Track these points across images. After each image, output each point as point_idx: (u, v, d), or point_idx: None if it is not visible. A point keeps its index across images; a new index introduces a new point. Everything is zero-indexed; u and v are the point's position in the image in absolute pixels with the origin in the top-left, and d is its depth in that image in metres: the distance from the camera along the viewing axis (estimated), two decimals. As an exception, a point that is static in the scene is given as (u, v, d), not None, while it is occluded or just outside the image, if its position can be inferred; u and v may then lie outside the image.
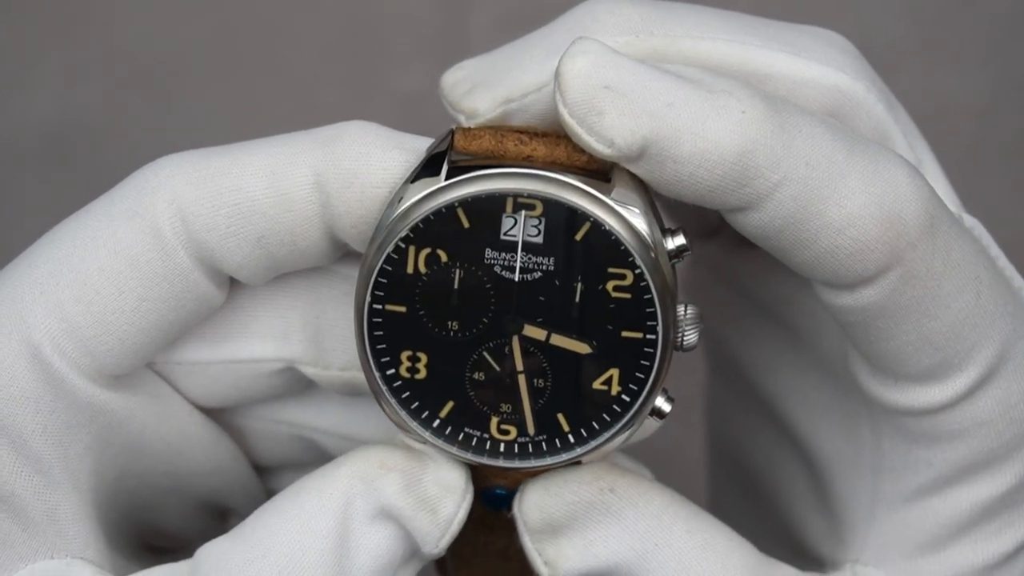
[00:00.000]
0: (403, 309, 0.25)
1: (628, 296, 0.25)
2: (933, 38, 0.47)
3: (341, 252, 0.27)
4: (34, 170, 0.47)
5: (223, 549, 0.25)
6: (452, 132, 0.26)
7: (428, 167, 0.25)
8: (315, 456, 0.30)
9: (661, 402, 0.26)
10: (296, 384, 0.29)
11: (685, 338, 0.25)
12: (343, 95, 0.46)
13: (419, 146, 0.26)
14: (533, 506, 0.26)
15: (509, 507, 0.27)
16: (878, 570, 0.27)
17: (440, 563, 0.31)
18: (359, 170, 0.25)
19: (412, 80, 0.47)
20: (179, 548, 0.30)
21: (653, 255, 0.25)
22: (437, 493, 0.26)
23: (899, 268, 0.24)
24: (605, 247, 0.25)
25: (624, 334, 0.25)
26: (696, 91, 0.24)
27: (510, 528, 0.27)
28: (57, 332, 0.25)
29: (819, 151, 0.24)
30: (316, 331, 0.28)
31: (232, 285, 0.27)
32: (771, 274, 0.28)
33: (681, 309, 0.25)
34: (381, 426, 0.28)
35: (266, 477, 0.31)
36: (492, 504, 0.28)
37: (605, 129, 0.24)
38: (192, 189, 0.25)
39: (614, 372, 0.25)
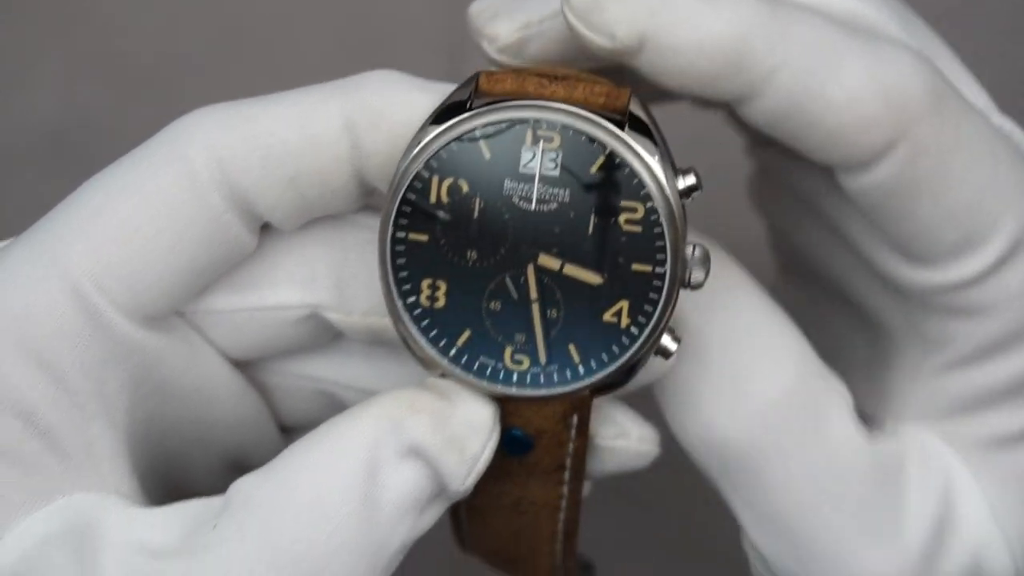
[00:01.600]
0: (425, 238, 0.26)
1: (639, 229, 0.26)
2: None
3: (367, 196, 0.28)
4: (35, 170, 0.47)
5: (255, 484, 0.26)
6: (476, 77, 0.27)
7: (451, 109, 0.27)
8: (337, 413, 0.30)
9: (667, 340, 0.27)
10: (320, 336, 0.30)
11: (692, 276, 0.26)
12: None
13: (442, 89, 0.28)
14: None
15: (526, 451, 0.28)
16: (917, 427, 0.28)
17: (455, 517, 0.31)
18: (385, 109, 0.27)
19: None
20: None
21: (664, 191, 0.26)
22: (464, 432, 0.26)
23: (907, 142, 0.25)
24: (619, 180, 0.26)
25: (634, 267, 0.26)
26: None
27: (524, 477, 0.28)
28: (97, 270, 0.26)
29: (816, 35, 0.25)
30: (340, 278, 0.29)
31: (260, 235, 0.28)
32: (813, 174, 0.29)
33: (689, 248, 0.26)
34: (402, 380, 0.29)
35: (289, 438, 0.32)
36: (509, 447, 0.28)
37: (606, 23, 0.25)
38: (226, 134, 0.26)
39: (624, 304, 0.26)
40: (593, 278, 0.27)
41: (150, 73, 0.47)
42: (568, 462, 0.29)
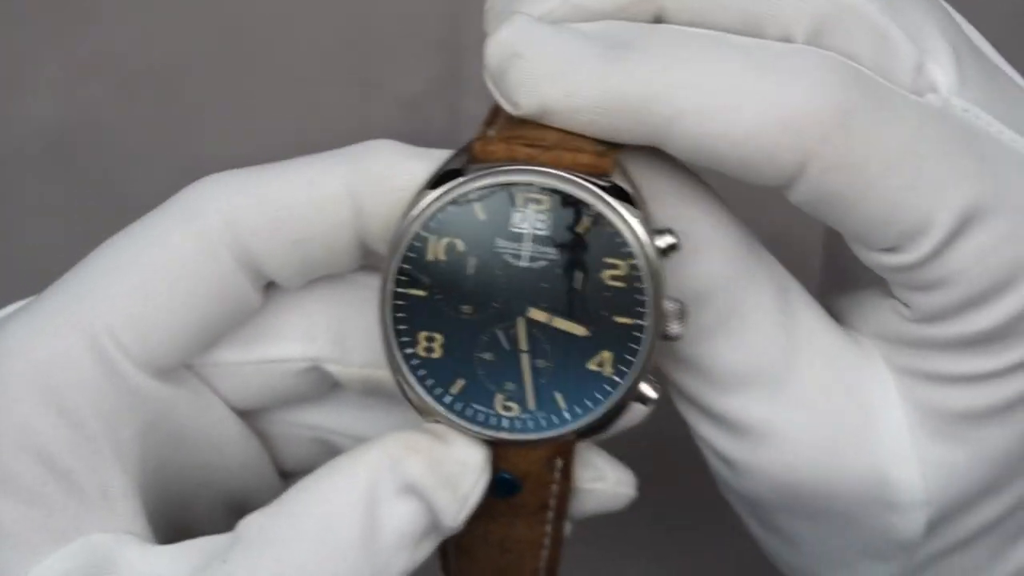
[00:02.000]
0: (423, 293, 0.28)
1: (622, 285, 0.28)
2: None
3: (366, 257, 0.30)
4: (35, 172, 0.47)
5: (263, 519, 0.27)
6: (470, 145, 0.28)
7: (447, 175, 0.28)
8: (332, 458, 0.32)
9: (647, 388, 0.29)
10: (319, 386, 0.32)
11: (670, 329, 0.28)
12: (344, 96, 0.47)
13: (438, 156, 0.29)
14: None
15: (513, 493, 0.30)
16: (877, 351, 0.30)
17: (443, 555, 0.32)
18: (386, 176, 0.29)
19: (412, 82, 0.47)
20: None
21: (645, 249, 0.28)
22: (458, 472, 0.28)
23: (816, 162, 0.27)
24: (603, 239, 0.28)
25: (617, 319, 0.28)
26: (591, 48, 0.27)
27: (511, 517, 0.30)
28: (114, 324, 0.28)
29: (712, 77, 0.27)
30: (339, 333, 0.31)
31: (265, 292, 0.30)
32: None
33: (669, 303, 0.28)
34: (393, 429, 0.30)
35: (288, 483, 0.33)
36: (498, 489, 0.30)
37: (509, 92, 0.27)
38: (237, 198, 0.29)
39: (607, 354, 0.28)
40: (579, 330, 0.28)
41: (150, 76, 0.47)
42: (552, 503, 0.31)
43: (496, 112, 0.29)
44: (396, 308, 0.29)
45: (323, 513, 0.27)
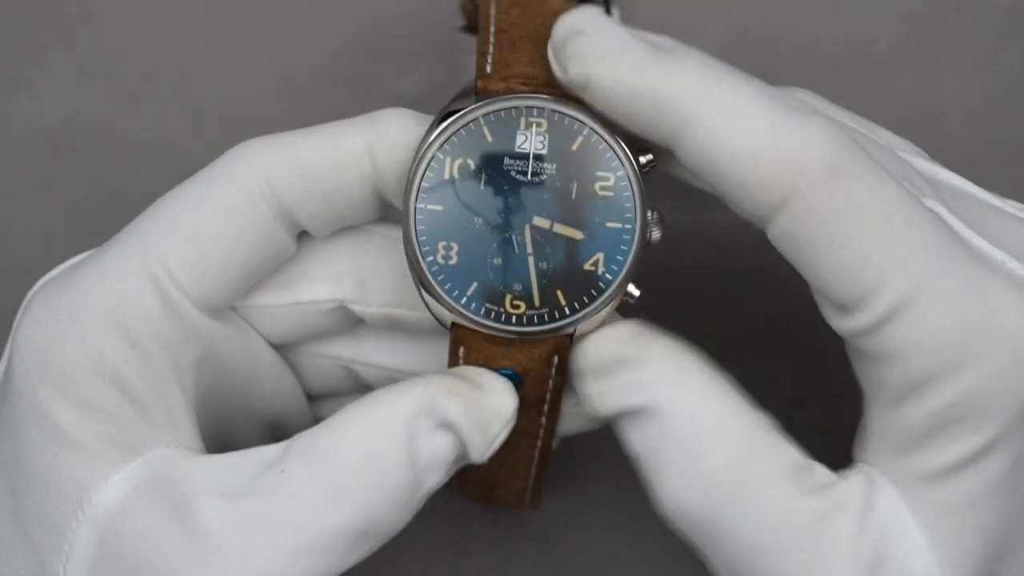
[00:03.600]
0: (440, 208, 0.33)
1: (611, 194, 0.32)
2: (929, 41, 0.47)
3: (384, 209, 0.35)
4: (36, 172, 0.47)
5: (316, 436, 0.31)
6: (473, 87, 0.33)
7: (454, 112, 0.32)
8: (353, 385, 0.38)
9: (632, 287, 0.33)
10: (344, 323, 0.36)
11: (652, 233, 0.33)
12: (344, 97, 0.47)
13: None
14: (586, 355, 0.33)
15: (516, 387, 0.33)
16: (871, 467, 0.32)
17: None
18: (398, 137, 0.33)
19: (413, 83, 0.47)
20: None
21: (631, 161, 0.32)
22: (490, 416, 0.32)
23: (799, 201, 0.30)
24: (594, 155, 0.32)
25: (608, 224, 0.32)
26: (641, 44, 0.31)
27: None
28: (174, 267, 0.33)
29: (733, 95, 0.31)
30: (361, 276, 0.35)
31: (298, 242, 0.35)
32: None
33: (650, 212, 0.32)
34: (409, 359, 0.37)
35: (314, 405, 0.39)
36: None
37: (563, 60, 0.32)
38: (272, 157, 0.33)
39: (600, 255, 0.32)
40: (576, 234, 0.32)
41: (150, 76, 0.47)
42: (548, 396, 0.34)
43: (484, 63, 0.33)
44: (419, 222, 0.32)
45: (370, 438, 0.31)
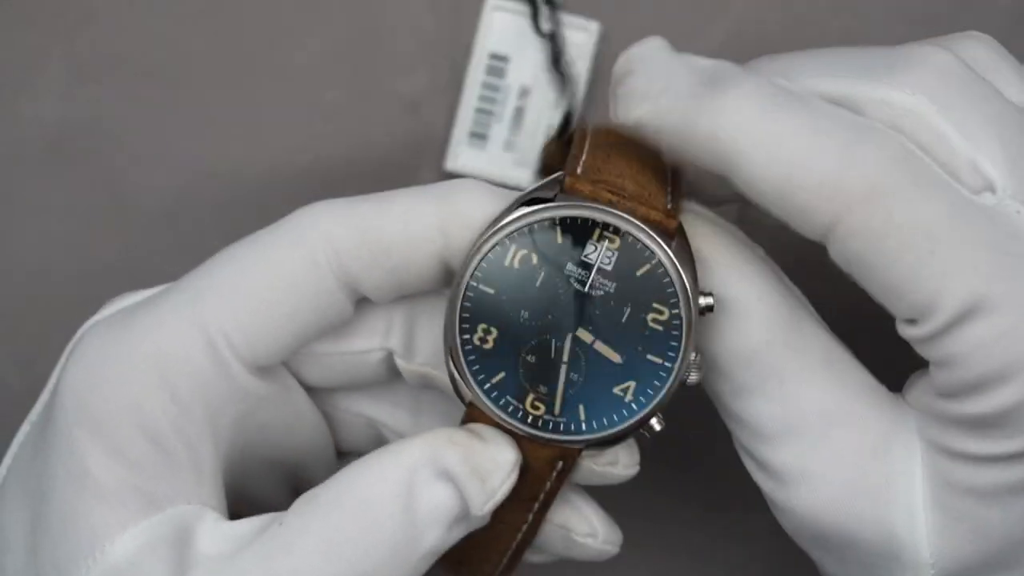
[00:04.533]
0: (492, 291, 0.33)
1: (661, 328, 0.32)
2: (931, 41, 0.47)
3: (449, 277, 0.34)
4: (36, 172, 0.47)
5: (316, 491, 0.31)
6: (561, 179, 0.33)
7: (537, 200, 0.33)
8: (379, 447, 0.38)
9: (655, 422, 0.33)
10: (386, 378, 0.37)
11: (689, 376, 0.32)
12: (345, 98, 0.47)
13: (518, 197, 0.33)
14: None
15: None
16: (914, 418, 0.33)
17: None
18: (473, 215, 0.33)
19: (413, 84, 0.47)
20: None
21: (690, 304, 0.32)
22: (490, 467, 0.32)
23: (842, 226, 0.30)
24: (656, 285, 0.32)
25: (649, 356, 0.32)
26: (688, 79, 0.32)
27: (504, 501, 0.33)
28: (228, 328, 0.33)
29: (772, 130, 0.31)
30: (410, 330, 0.35)
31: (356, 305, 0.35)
32: None
33: (694, 354, 0.32)
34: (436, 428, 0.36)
35: (343, 462, 0.39)
36: None
37: (616, 103, 0.33)
38: (342, 227, 0.33)
39: (632, 384, 0.32)
40: (615, 356, 0.32)
41: (151, 77, 0.47)
42: (542, 496, 0.34)
43: (581, 149, 0.33)
44: (466, 298, 0.32)
45: (367, 488, 0.31)
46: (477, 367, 0.32)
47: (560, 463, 0.33)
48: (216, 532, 0.32)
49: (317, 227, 0.33)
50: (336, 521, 0.30)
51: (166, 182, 0.46)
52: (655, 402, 0.32)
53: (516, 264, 0.32)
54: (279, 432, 0.35)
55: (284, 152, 0.46)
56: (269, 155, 0.46)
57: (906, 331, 0.31)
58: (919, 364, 0.33)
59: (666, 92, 0.32)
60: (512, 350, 0.32)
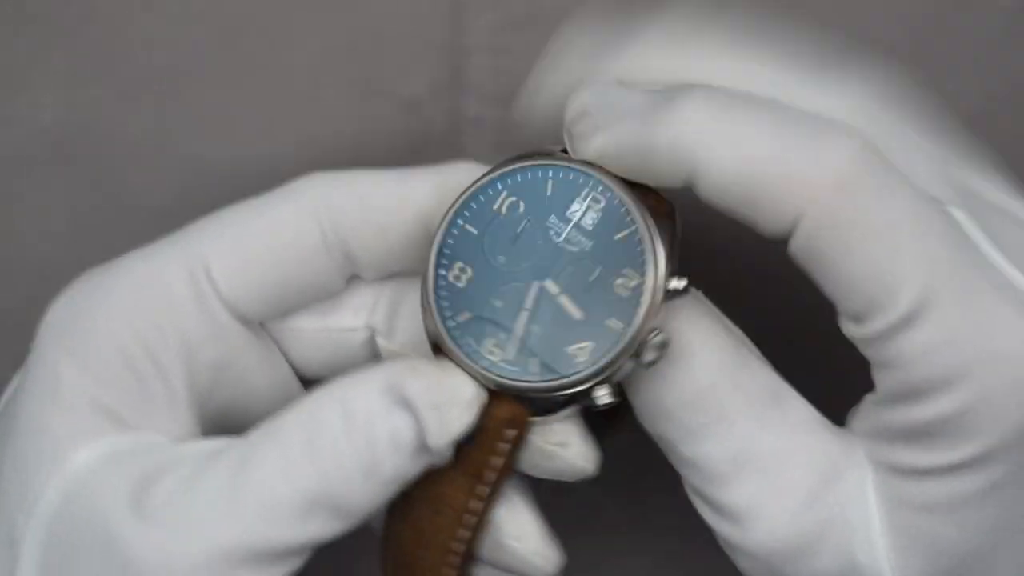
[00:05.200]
0: (475, 232, 0.33)
1: (626, 295, 0.32)
2: (929, 41, 0.47)
3: None
4: (36, 172, 0.47)
5: (277, 416, 0.32)
6: (564, 148, 0.34)
7: (537, 153, 0.34)
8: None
9: (604, 392, 0.33)
10: (368, 360, 0.37)
11: (645, 355, 0.32)
12: (344, 97, 0.47)
13: None
14: None
15: (465, 442, 0.33)
16: (860, 441, 0.33)
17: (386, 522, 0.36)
18: (466, 183, 0.34)
19: (413, 84, 0.47)
20: None
21: (659, 278, 0.32)
22: (448, 399, 0.32)
23: (807, 220, 0.31)
24: (631, 252, 0.32)
25: (608, 320, 0.32)
26: (641, 102, 0.32)
27: (452, 473, 0.33)
28: (213, 266, 0.33)
29: (730, 133, 0.31)
30: (394, 310, 0.36)
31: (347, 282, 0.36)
32: None
33: (655, 333, 0.32)
34: None
35: None
36: None
37: (574, 143, 0.33)
38: (342, 194, 0.34)
39: (588, 344, 0.32)
40: (576, 313, 0.33)
41: (151, 76, 0.47)
42: (489, 475, 0.34)
43: None
44: (449, 235, 0.33)
45: (327, 412, 0.31)
46: (446, 304, 0.33)
47: (510, 431, 0.33)
48: (180, 449, 0.32)
49: (316, 190, 0.34)
50: (297, 443, 0.31)
51: (166, 182, 0.46)
52: (604, 363, 0.32)
53: (503, 210, 0.33)
54: (262, 401, 0.36)
55: (284, 152, 0.46)
56: (269, 155, 0.46)
57: (853, 330, 0.31)
58: (867, 385, 0.33)
59: (622, 118, 0.32)
60: (482, 292, 0.33)
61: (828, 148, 0.31)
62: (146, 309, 0.33)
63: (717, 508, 0.33)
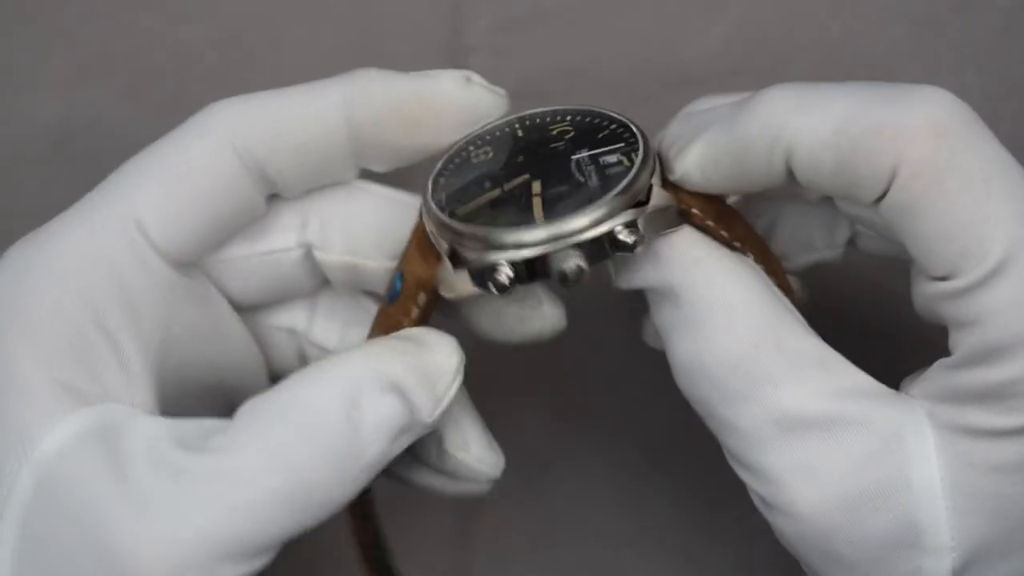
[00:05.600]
0: (489, 135, 0.35)
1: (620, 169, 0.33)
2: (929, 41, 0.47)
3: (358, 167, 0.35)
4: (37, 172, 0.47)
5: (258, 402, 0.31)
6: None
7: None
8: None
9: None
10: (308, 282, 0.37)
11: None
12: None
13: (423, 74, 0.34)
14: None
15: (395, 295, 0.34)
16: (915, 400, 0.32)
17: None
18: (374, 89, 0.34)
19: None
20: None
21: (632, 195, 0.32)
22: (435, 373, 0.32)
23: (905, 166, 0.30)
24: (612, 172, 0.32)
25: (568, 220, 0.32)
26: (722, 111, 0.33)
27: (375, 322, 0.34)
28: (145, 218, 0.33)
29: (816, 104, 0.31)
30: (324, 222, 0.35)
31: (269, 202, 0.35)
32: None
33: (631, 224, 0.31)
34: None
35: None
36: (392, 291, 0.35)
37: (672, 168, 0.33)
38: (244, 113, 0.34)
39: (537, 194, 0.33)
40: (537, 187, 0.33)
41: (154, 76, 0.47)
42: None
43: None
44: (467, 151, 0.34)
45: (311, 400, 0.31)
46: (444, 181, 0.34)
47: (423, 295, 0.33)
48: (151, 426, 0.31)
49: (220, 113, 0.34)
50: (280, 431, 0.30)
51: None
52: (569, 217, 0.31)
53: (520, 137, 0.34)
54: (208, 344, 0.35)
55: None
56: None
57: (937, 288, 0.31)
58: (909, 367, 0.33)
59: (710, 126, 0.32)
60: (480, 182, 0.33)
61: (920, 99, 0.31)
62: (88, 276, 0.32)
63: (760, 473, 0.33)
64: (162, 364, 0.34)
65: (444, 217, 0.33)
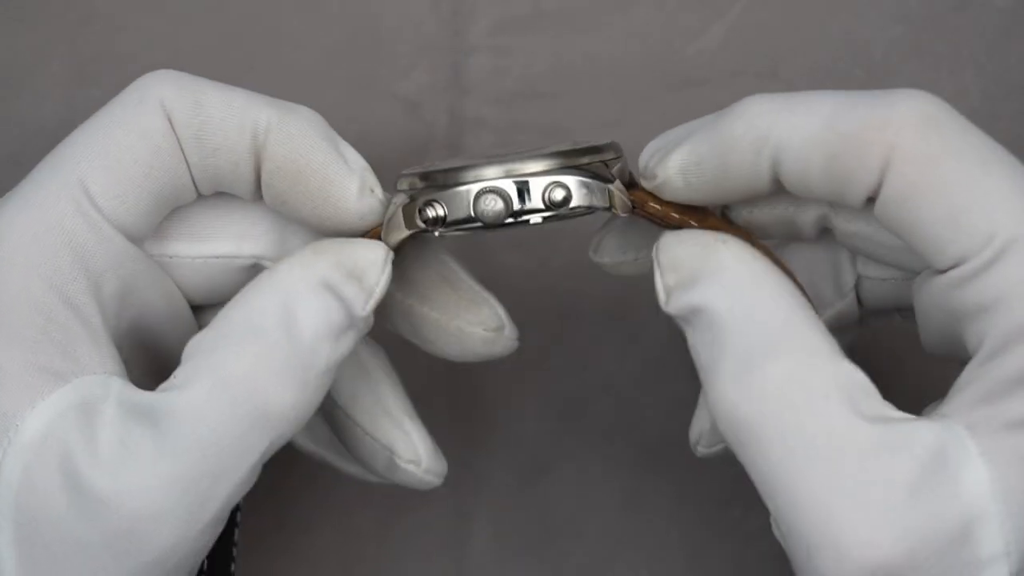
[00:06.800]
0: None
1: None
2: (928, 41, 0.47)
3: (259, 193, 0.34)
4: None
5: (200, 337, 0.32)
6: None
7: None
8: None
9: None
10: None
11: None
12: (344, 98, 0.47)
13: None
14: (665, 248, 0.33)
15: None
16: (955, 420, 0.31)
17: None
18: (301, 131, 0.33)
19: (412, 84, 0.47)
20: None
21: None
22: (362, 266, 0.32)
23: (898, 154, 0.30)
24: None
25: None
26: (705, 118, 0.33)
27: None
28: (94, 189, 0.33)
29: (811, 105, 0.31)
30: (280, 235, 0.35)
31: (220, 198, 0.35)
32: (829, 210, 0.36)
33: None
34: None
35: None
36: None
37: (652, 173, 0.33)
38: (180, 104, 0.33)
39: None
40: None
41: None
42: None
43: None
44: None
45: (248, 319, 0.31)
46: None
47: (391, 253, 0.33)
48: (122, 391, 0.32)
49: (154, 86, 0.34)
50: (224, 357, 0.31)
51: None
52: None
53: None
54: (163, 323, 0.35)
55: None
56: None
57: (949, 278, 0.31)
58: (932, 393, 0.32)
59: (692, 133, 0.32)
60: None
61: (905, 96, 0.31)
62: (48, 253, 0.32)
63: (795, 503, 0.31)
64: (118, 331, 0.34)
65: (401, 180, 0.33)
